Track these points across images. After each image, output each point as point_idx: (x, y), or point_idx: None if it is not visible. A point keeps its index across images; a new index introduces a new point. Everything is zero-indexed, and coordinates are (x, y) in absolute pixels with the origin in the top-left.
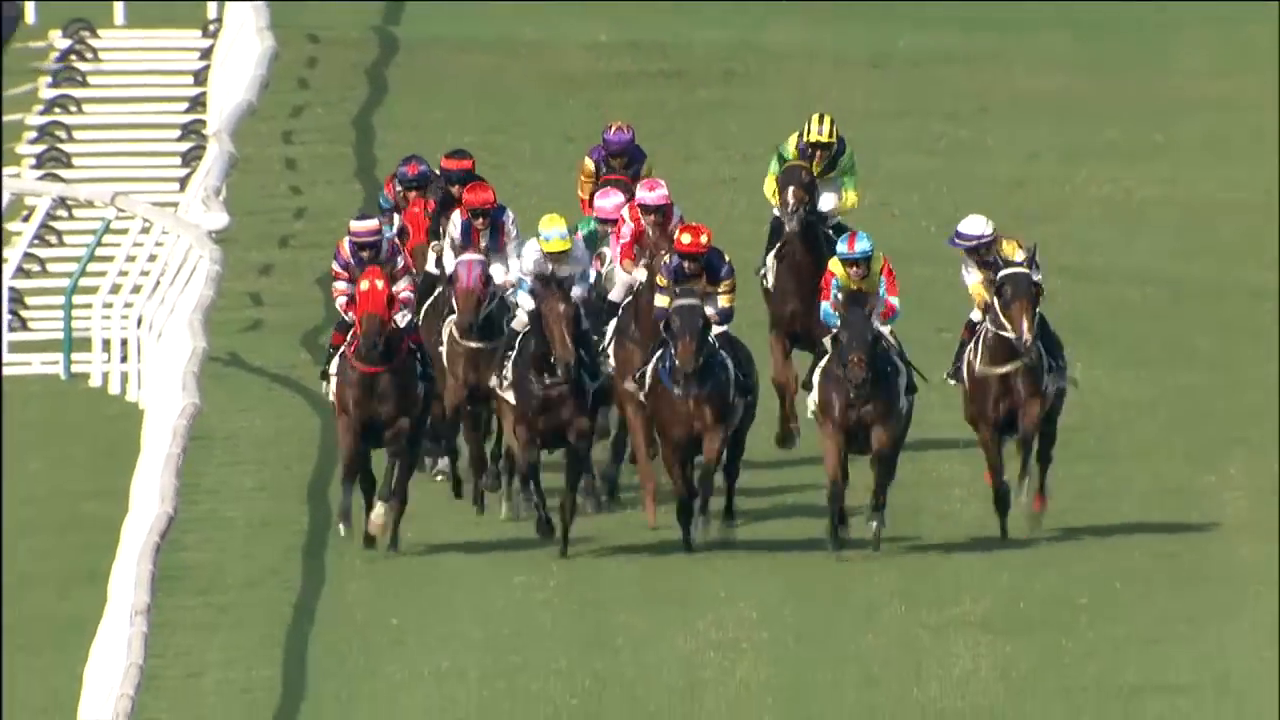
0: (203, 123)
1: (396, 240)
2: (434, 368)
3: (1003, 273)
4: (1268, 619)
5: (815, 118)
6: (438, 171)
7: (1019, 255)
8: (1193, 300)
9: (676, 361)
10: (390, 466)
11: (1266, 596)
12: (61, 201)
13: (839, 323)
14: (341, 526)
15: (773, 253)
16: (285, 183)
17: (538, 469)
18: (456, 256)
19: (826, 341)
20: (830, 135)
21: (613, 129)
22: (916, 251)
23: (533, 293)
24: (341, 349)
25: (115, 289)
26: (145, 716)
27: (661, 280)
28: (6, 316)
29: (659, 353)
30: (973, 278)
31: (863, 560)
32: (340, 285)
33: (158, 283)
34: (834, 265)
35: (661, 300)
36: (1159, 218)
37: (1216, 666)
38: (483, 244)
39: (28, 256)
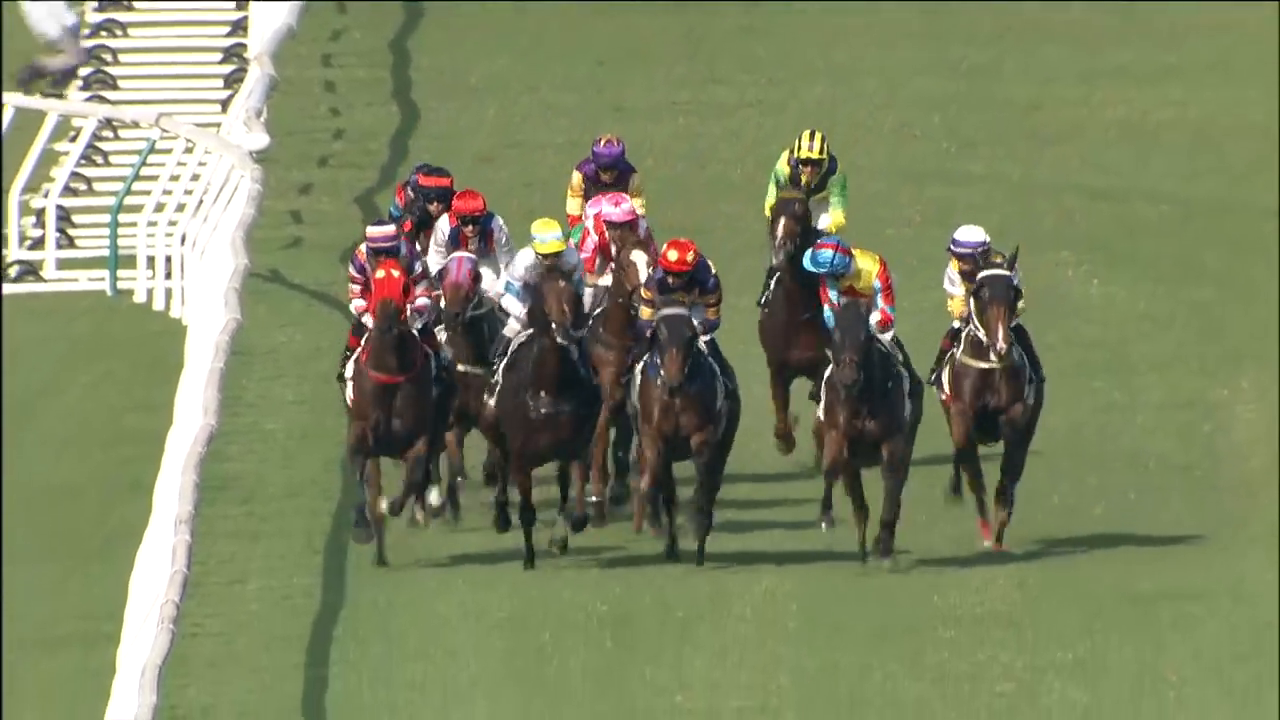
0: (244, 46)
1: (416, 247)
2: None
3: (982, 274)
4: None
5: (806, 135)
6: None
7: (999, 260)
8: (1203, 218)
9: (662, 373)
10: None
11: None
12: (107, 123)
13: (833, 324)
14: (361, 533)
15: (773, 280)
16: (324, 104)
17: (529, 492)
18: (445, 256)
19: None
20: (821, 152)
21: (602, 142)
22: (936, 171)
23: (529, 285)
24: (357, 354)
25: (159, 208)
26: (189, 623)
27: (646, 293)
28: (54, 234)
29: (646, 356)
30: (956, 290)
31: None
32: (355, 289)
33: (200, 202)
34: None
35: (645, 312)
36: (1171, 139)
37: (1229, 574)
38: (470, 249)
39: (75, 176)
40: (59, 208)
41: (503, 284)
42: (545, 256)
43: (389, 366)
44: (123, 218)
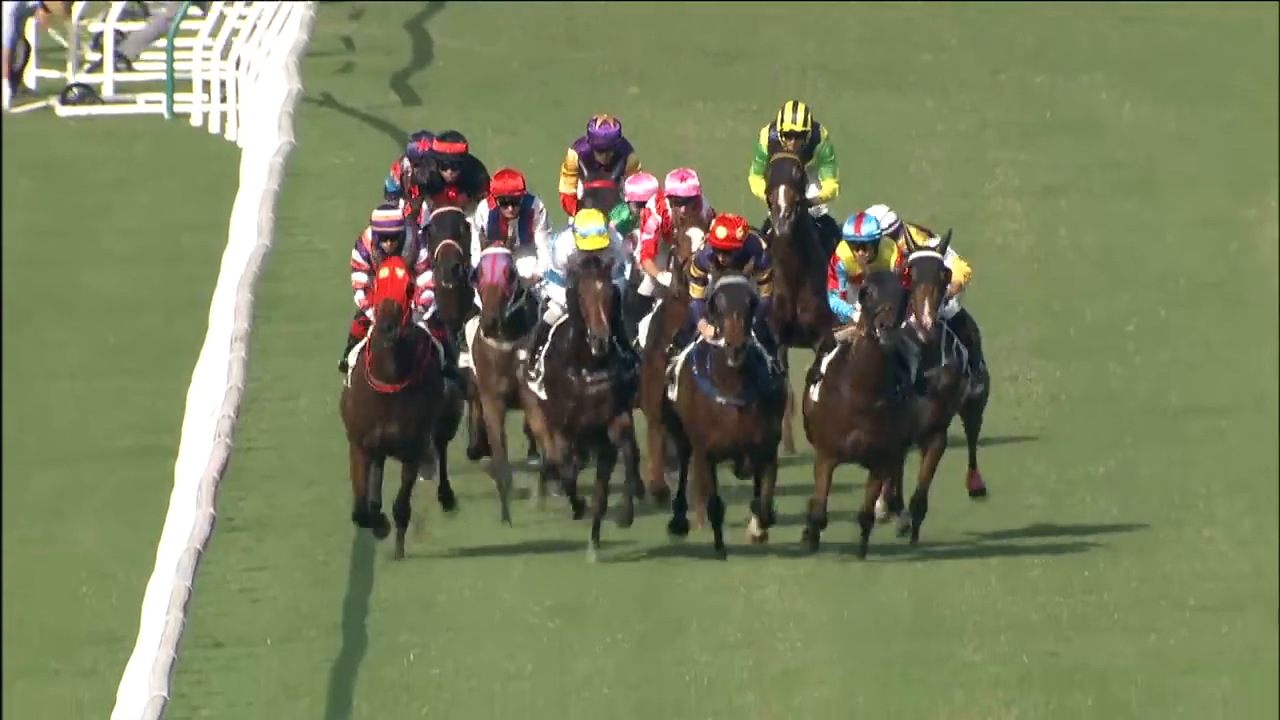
0: None
1: (420, 233)
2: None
3: (913, 255)
4: None
5: (789, 106)
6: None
7: (932, 241)
8: (1233, 42)
9: (721, 341)
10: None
11: None
12: None
13: (861, 296)
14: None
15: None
16: None
17: (574, 470)
18: (483, 248)
19: (839, 334)
20: (805, 124)
21: (598, 122)
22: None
23: (571, 274)
24: (360, 351)
25: (215, 33)
26: (244, 437)
27: (695, 271)
28: (113, 58)
29: (687, 350)
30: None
31: None
32: (360, 277)
33: (255, 27)
34: (841, 250)
35: (696, 291)
36: None
37: (1256, 388)
38: (510, 233)
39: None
40: (116, 32)
41: (545, 266)
42: (586, 253)
43: (389, 374)
44: (179, 42)
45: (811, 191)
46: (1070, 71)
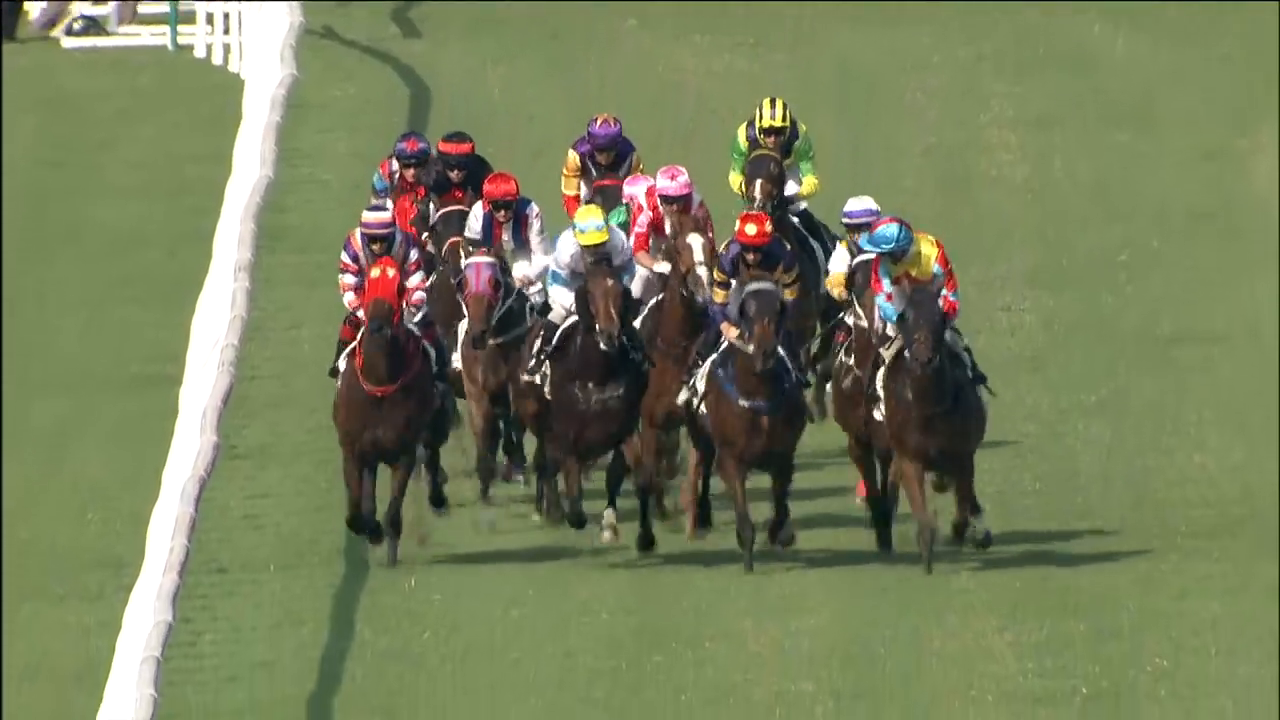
0: None
1: (411, 234)
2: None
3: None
4: None
5: (767, 102)
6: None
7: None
8: None
9: (750, 346)
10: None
11: None
12: None
13: (905, 304)
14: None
15: None
16: None
17: (578, 477)
18: (471, 252)
19: (883, 350)
20: (783, 119)
21: (599, 121)
22: None
23: (577, 274)
24: (351, 354)
25: None
26: (248, 366)
27: (719, 274)
28: None
29: (712, 356)
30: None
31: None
32: (348, 279)
33: None
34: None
35: (719, 294)
36: None
37: (1247, 317)
38: (505, 237)
39: None
40: None
41: (538, 269)
42: (588, 248)
43: (380, 376)
44: None
45: (791, 189)
46: (1065, 4)
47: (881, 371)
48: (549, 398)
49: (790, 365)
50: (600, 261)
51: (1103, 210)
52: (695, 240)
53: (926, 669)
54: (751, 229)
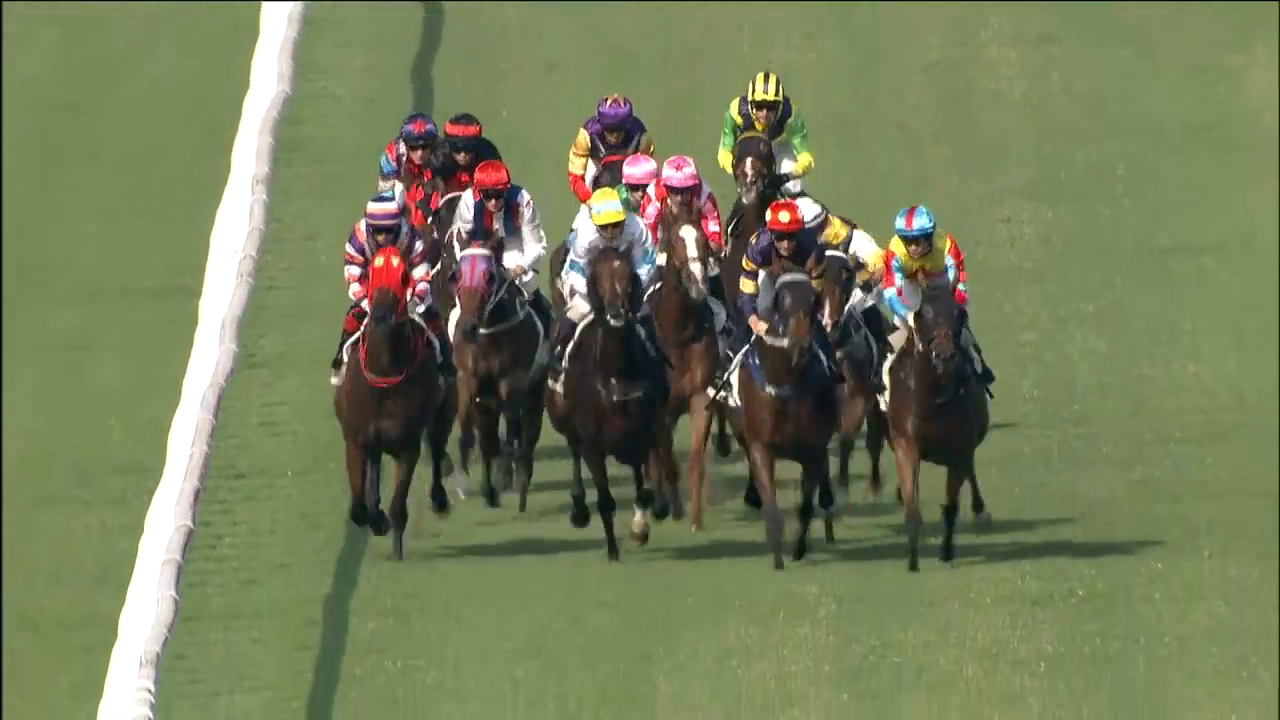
0: None
1: (416, 225)
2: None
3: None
4: None
5: (760, 77)
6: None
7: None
8: None
9: (785, 340)
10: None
11: None
12: None
13: (921, 300)
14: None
15: (730, 227)
16: None
17: (605, 478)
18: (467, 243)
19: (894, 338)
20: (776, 94)
21: (609, 101)
22: None
23: (590, 263)
24: (355, 344)
25: None
26: (266, 276)
27: (748, 264)
28: None
29: (742, 352)
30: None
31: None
32: (353, 270)
33: None
34: (895, 245)
35: (747, 286)
36: None
37: (1242, 228)
38: (496, 226)
39: None
40: None
41: (531, 259)
42: (604, 228)
43: (384, 367)
44: None
45: (786, 167)
46: None
47: (888, 361)
48: (566, 399)
49: (824, 358)
50: (608, 250)
51: (1100, 125)
52: (689, 234)
53: (926, 572)
54: (785, 216)
